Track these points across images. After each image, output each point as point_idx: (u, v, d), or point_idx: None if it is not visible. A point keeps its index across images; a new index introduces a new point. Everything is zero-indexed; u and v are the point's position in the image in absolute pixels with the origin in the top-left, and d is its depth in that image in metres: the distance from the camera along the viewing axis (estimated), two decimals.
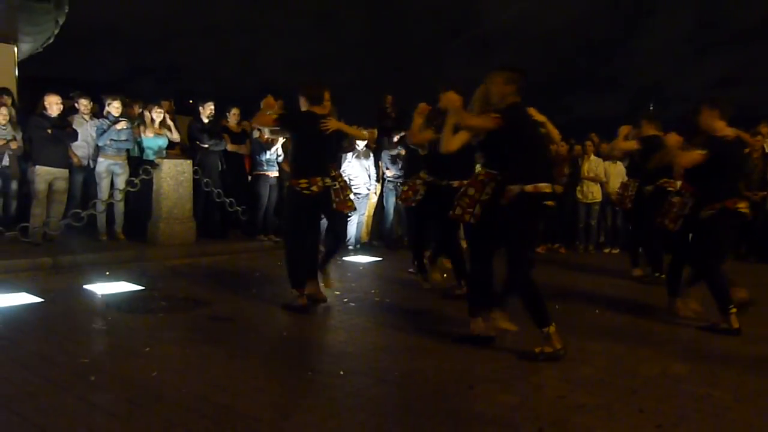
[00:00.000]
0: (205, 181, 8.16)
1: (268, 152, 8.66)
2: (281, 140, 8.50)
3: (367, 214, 9.11)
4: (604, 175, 9.69)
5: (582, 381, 3.46)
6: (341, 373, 3.52)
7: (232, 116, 8.87)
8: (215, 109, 8.61)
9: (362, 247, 9.03)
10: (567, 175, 9.29)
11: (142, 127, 8.12)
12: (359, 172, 8.84)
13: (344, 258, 8.29)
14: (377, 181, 9.14)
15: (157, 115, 8.18)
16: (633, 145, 6.60)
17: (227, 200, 8.37)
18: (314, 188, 4.86)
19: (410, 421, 2.88)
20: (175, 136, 8.43)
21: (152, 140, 8.15)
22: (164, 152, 8.24)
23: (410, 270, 6.32)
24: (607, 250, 9.77)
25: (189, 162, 8.07)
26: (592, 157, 9.71)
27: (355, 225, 8.93)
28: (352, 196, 8.71)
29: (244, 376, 3.43)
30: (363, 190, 8.90)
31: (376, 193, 9.32)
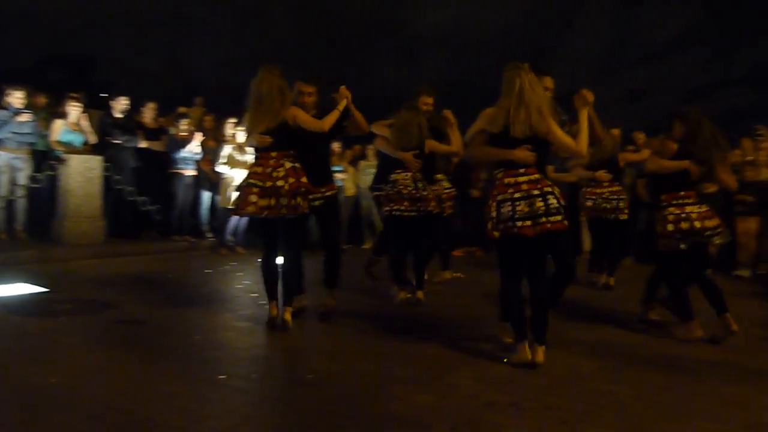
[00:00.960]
0: (116, 178, 7.81)
1: (184, 150, 8.40)
2: (199, 137, 8.27)
3: None
4: None
5: (494, 380, 3.55)
6: (255, 376, 3.45)
7: (148, 111, 8.54)
8: (130, 104, 8.28)
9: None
10: (483, 180, 9.54)
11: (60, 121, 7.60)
12: None
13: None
14: None
15: (74, 109, 7.71)
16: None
17: (140, 199, 8.05)
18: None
19: (325, 423, 2.86)
20: (92, 139, 7.95)
21: (69, 136, 7.66)
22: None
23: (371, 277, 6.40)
24: None
25: (99, 158, 7.70)
26: None
27: None
28: None
29: (154, 382, 3.29)
30: None
31: None
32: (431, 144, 5.49)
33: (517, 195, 3.69)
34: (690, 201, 4.67)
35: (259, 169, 4.39)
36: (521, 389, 3.40)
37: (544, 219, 3.64)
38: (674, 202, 4.68)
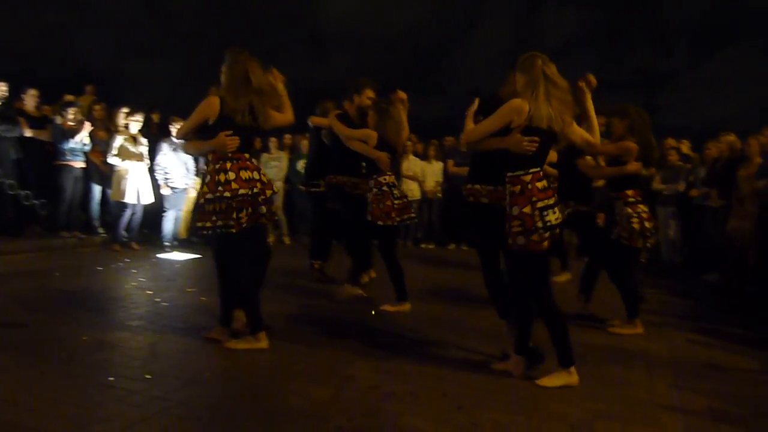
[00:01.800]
0: None
1: (72, 140, 7.90)
2: (87, 128, 7.81)
3: (185, 209, 8.66)
4: (421, 174, 10.22)
5: (394, 370, 3.61)
6: (147, 377, 3.31)
7: (29, 98, 7.96)
8: (9, 91, 7.68)
9: (180, 244, 8.60)
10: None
11: None
12: (177, 166, 8.39)
13: (159, 255, 7.85)
14: (196, 175, 8.70)
15: None
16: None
17: (22, 192, 7.50)
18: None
19: (221, 421, 2.79)
20: None
21: None
22: None
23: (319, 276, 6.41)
24: (423, 245, 10.31)
25: None
26: (411, 156, 10.20)
27: (172, 221, 8.49)
28: (167, 191, 8.28)
29: (36, 388, 3.08)
30: (180, 185, 8.46)
31: (195, 187, 8.90)
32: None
33: (552, 201, 3.41)
34: (640, 200, 4.80)
35: (245, 174, 3.81)
36: (418, 378, 3.48)
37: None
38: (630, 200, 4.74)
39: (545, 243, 3.43)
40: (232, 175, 3.76)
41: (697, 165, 8.74)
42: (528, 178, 3.40)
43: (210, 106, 3.85)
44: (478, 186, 3.82)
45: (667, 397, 3.40)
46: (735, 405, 3.34)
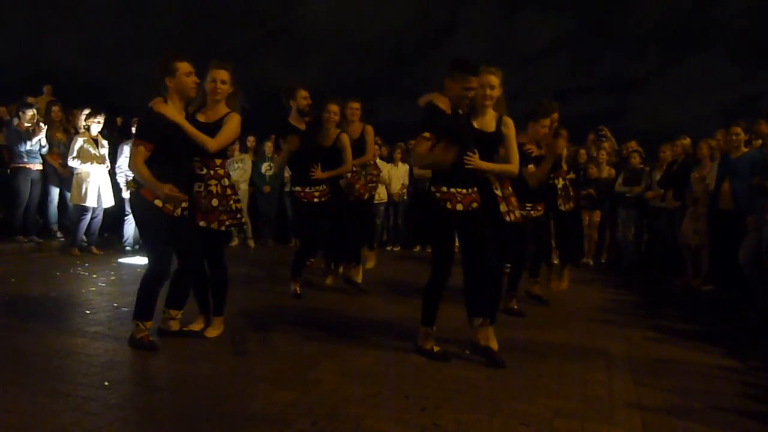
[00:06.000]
0: None
1: (29, 142, 7.70)
2: (44, 130, 7.63)
3: None
4: (387, 177, 10.24)
5: (356, 373, 3.61)
6: (106, 384, 3.24)
7: None
8: None
9: (141, 248, 8.44)
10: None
11: None
12: None
13: (119, 260, 7.70)
14: None
15: None
16: None
17: None
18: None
19: (182, 427, 2.75)
20: None
21: None
22: None
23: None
24: (389, 248, 10.34)
25: None
26: (377, 160, 10.21)
27: (134, 225, 8.32)
28: (128, 194, 8.12)
29: None
30: None
31: None
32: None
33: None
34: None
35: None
36: (381, 381, 3.49)
37: None
38: None
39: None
40: (226, 181, 4.15)
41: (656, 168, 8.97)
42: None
43: None
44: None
45: (625, 393, 3.47)
46: (690, 399, 3.44)
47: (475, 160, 3.87)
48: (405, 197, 10.46)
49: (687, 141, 8.32)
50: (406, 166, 10.41)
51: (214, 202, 4.06)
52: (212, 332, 4.28)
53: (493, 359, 3.86)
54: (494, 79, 4.07)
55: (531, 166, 5.11)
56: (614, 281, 7.84)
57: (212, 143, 3.96)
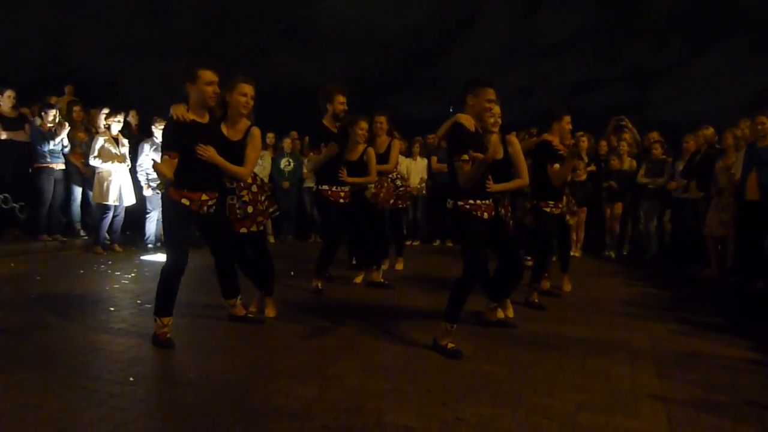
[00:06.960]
0: None
1: (51, 142, 7.81)
2: (66, 129, 7.72)
3: None
4: (406, 171, 10.21)
5: (378, 368, 3.61)
6: (131, 379, 3.28)
7: (5, 99, 7.83)
8: None
9: (162, 245, 8.52)
10: None
11: None
12: None
13: (142, 257, 7.79)
14: None
15: None
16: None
17: (1, 196, 7.40)
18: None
19: (205, 422, 2.78)
20: None
21: None
22: None
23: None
24: (409, 243, 10.32)
25: None
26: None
27: (155, 222, 8.42)
28: (149, 192, 8.20)
29: (15, 394, 3.04)
30: None
31: None
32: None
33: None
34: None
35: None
36: (403, 375, 3.49)
37: None
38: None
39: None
40: (255, 187, 4.49)
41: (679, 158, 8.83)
42: None
43: None
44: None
45: (649, 387, 3.43)
46: (716, 393, 3.39)
47: (491, 186, 4.19)
48: (424, 191, 10.42)
49: (710, 131, 8.17)
50: (425, 161, 10.36)
51: (249, 209, 4.41)
52: (270, 312, 4.78)
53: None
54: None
55: (556, 165, 5.15)
56: (637, 274, 7.74)
57: (246, 173, 4.22)
